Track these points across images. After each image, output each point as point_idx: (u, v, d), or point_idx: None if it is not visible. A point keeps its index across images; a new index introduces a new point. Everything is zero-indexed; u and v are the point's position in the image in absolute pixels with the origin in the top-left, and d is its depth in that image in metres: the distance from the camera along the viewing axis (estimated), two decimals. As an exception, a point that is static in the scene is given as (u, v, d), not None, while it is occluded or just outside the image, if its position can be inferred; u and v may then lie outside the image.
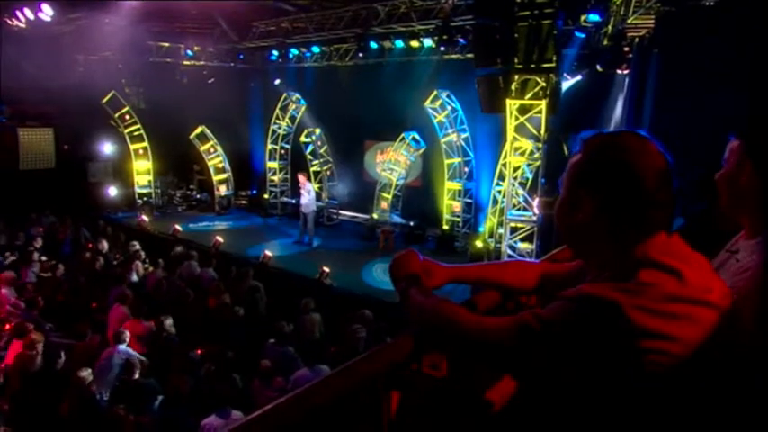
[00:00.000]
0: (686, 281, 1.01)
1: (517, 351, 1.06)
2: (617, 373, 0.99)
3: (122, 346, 5.59)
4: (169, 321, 6.21)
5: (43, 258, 8.86)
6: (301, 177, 12.56)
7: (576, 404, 1.08)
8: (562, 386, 1.08)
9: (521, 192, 9.31)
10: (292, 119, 14.94)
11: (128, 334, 5.75)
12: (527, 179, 9.36)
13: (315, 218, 12.63)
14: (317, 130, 14.19)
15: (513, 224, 9.36)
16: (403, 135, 12.56)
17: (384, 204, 13.04)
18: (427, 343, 1.30)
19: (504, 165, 9.80)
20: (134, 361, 5.38)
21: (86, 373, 4.97)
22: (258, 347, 6.02)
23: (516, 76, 8.60)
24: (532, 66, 8.22)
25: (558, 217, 1.18)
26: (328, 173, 14.56)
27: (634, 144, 1.07)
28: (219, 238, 11.00)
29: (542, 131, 8.71)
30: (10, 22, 10.99)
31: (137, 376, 5.21)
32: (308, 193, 12.33)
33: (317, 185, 14.25)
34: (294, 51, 13.68)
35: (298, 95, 14.62)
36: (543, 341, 1.02)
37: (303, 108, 14.64)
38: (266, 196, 15.59)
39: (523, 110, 8.82)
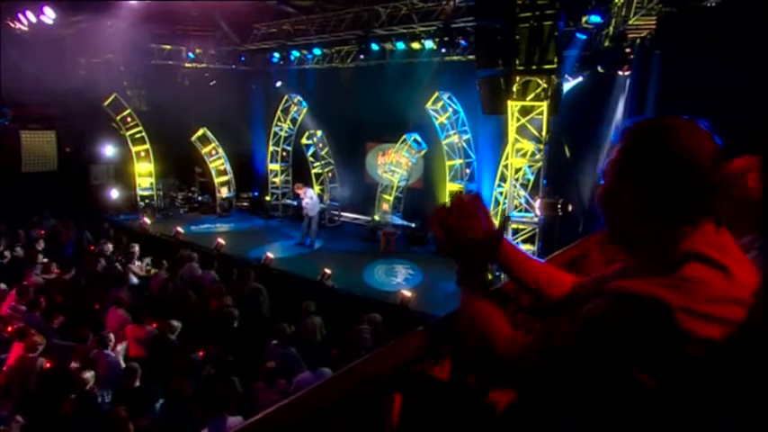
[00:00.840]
0: (734, 279, 0.97)
1: (552, 369, 1.04)
2: (656, 373, 0.96)
3: (107, 351, 5.61)
4: (177, 324, 6.20)
5: (45, 260, 8.86)
6: (299, 190, 12.54)
7: (595, 405, 1.06)
8: (585, 389, 1.04)
9: (522, 193, 9.30)
10: (294, 121, 14.95)
11: (112, 337, 5.77)
12: (528, 180, 9.35)
13: (318, 220, 12.63)
14: (319, 132, 14.19)
15: (514, 225, 9.35)
16: (404, 136, 12.57)
17: (385, 206, 13.04)
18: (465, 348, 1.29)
19: (506, 166, 9.80)
20: (134, 366, 5.37)
21: (89, 375, 4.97)
22: (260, 349, 6.01)
23: (517, 78, 8.62)
24: (534, 67, 8.23)
25: (604, 205, 1.15)
26: (330, 175, 14.55)
27: (684, 127, 1.05)
28: (221, 240, 11.01)
29: (544, 133, 8.71)
30: (12, 25, 11.03)
31: (138, 383, 5.20)
32: (311, 199, 12.32)
33: (319, 187, 14.26)
34: (295, 53, 13.70)
35: (299, 97, 14.64)
36: (584, 346, 1.00)
37: (304, 110, 14.66)
38: (268, 198, 15.60)
39: (525, 111, 8.83)
